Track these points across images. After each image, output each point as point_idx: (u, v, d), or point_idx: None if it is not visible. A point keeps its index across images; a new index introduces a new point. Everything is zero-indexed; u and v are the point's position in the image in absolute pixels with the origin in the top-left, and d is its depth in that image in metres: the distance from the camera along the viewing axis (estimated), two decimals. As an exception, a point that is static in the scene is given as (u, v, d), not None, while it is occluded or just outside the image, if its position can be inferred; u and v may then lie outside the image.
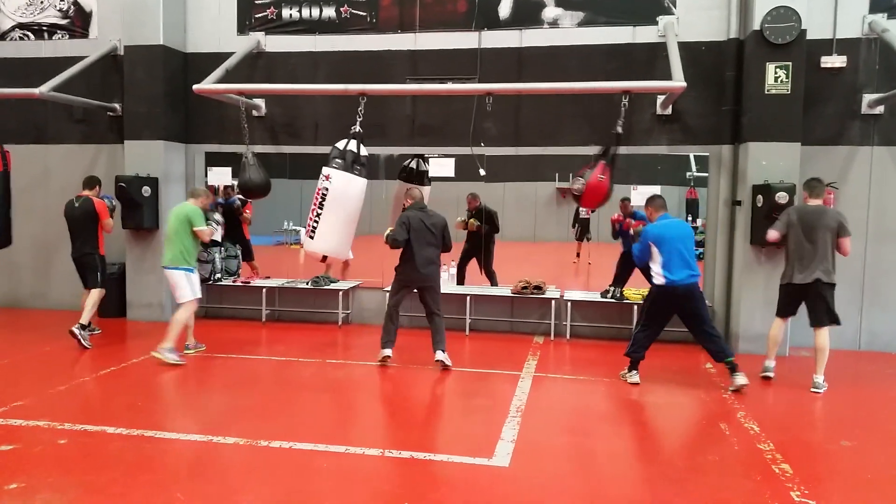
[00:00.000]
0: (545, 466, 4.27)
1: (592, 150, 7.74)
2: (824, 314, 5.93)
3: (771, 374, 6.29)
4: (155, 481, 3.90)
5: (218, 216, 7.35)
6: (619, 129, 6.43)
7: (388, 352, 6.51)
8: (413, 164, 8.48)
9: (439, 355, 6.41)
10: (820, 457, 4.62)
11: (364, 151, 6.73)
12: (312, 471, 4.11)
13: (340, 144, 6.69)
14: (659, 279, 5.87)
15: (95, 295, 7.27)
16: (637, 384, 6.02)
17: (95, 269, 7.31)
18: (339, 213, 6.62)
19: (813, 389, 5.90)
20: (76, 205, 7.27)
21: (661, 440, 4.89)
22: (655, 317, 6.04)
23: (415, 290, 6.63)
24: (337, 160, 6.57)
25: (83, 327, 7.05)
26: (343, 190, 6.59)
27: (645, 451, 4.61)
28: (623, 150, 6.84)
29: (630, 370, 6.11)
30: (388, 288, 6.78)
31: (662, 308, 6.01)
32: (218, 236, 8.66)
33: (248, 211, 9.42)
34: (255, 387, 5.94)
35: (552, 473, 4.19)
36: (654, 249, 5.87)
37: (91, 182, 7.44)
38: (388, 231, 6.49)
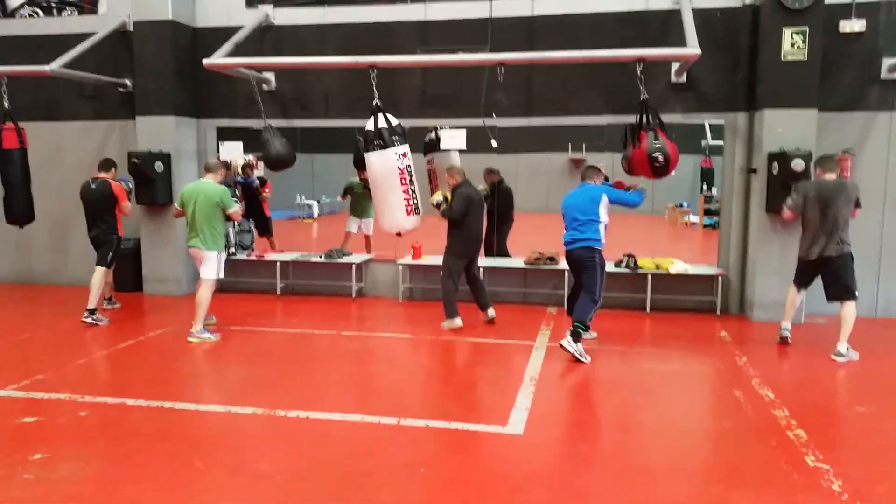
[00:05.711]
0: (559, 434, 4.31)
1: (605, 119, 7.73)
2: (841, 290, 5.91)
3: (787, 335, 6.27)
4: (175, 451, 3.97)
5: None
6: (645, 95, 6.35)
7: (460, 321, 6.84)
8: (434, 136, 8.42)
9: (491, 312, 7.10)
10: (835, 423, 4.63)
11: (384, 121, 6.68)
12: (329, 439, 4.17)
13: (371, 124, 6.58)
14: None
15: (99, 275, 7.11)
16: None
17: (110, 247, 7.23)
18: (417, 184, 6.92)
19: (833, 356, 5.83)
20: (93, 186, 7.17)
21: (675, 408, 4.90)
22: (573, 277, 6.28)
23: None
24: (396, 138, 6.58)
25: (91, 312, 6.98)
26: (411, 162, 6.82)
27: (659, 418, 4.62)
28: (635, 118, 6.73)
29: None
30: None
31: (570, 268, 6.26)
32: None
33: (267, 190, 9.49)
34: (271, 358, 6.01)
35: (566, 440, 4.23)
36: None
37: (107, 164, 7.37)
38: (436, 197, 6.81)
